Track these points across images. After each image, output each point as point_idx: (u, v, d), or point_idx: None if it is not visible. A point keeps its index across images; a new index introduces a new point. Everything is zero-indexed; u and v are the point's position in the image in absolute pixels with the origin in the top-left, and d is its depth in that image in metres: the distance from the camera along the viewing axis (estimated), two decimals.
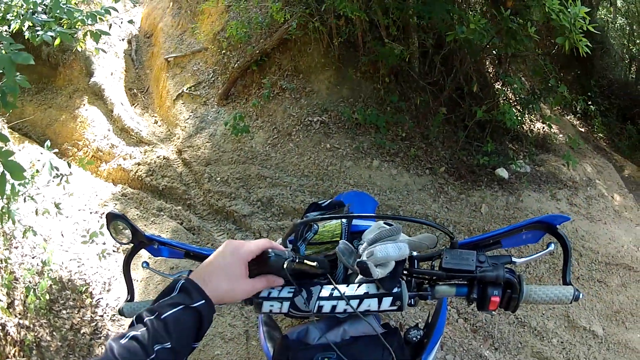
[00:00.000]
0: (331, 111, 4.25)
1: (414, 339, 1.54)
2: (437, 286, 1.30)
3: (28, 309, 3.27)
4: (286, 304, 1.23)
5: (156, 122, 4.65)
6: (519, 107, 4.73)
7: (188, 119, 4.46)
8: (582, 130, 6.28)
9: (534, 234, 1.29)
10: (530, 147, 4.86)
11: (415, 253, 1.34)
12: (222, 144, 4.22)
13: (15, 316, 3.18)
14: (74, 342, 3.22)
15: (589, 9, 3.23)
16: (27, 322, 3.20)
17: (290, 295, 1.23)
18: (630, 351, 3.29)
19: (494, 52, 5.11)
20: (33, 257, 3.57)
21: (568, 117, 6.33)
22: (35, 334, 3.18)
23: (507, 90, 5.00)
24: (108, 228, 1.32)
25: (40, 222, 3.84)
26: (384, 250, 1.20)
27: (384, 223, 1.38)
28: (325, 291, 1.22)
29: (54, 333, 3.21)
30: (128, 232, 1.33)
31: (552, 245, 1.25)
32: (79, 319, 3.31)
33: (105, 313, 3.39)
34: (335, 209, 1.75)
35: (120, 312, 1.41)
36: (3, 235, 3.45)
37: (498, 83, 5.24)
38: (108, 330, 3.34)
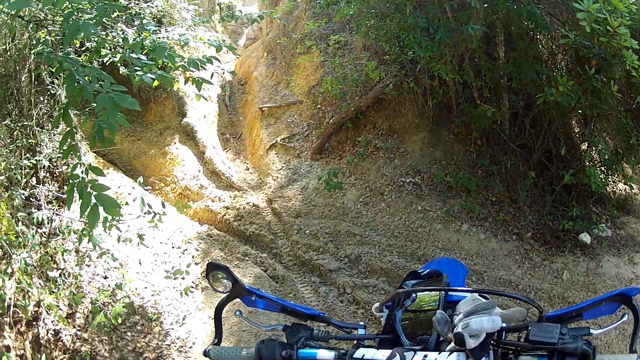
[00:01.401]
0: (424, 173, 4.32)
1: None
2: (521, 356, 1.32)
3: (90, 323, 3.31)
4: None
5: (247, 169, 4.82)
6: (602, 169, 4.67)
7: (280, 169, 4.61)
8: None
9: (611, 305, 1.34)
10: (612, 210, 4.79)
11: (504, 325, 1.38)
12: (314, 198, 4.34)
13: (74, 327, 3.24)
14: None
15: None
16: (85, 335, 3.25)
17: (384, 359, 1.27)
18: None
19: (579, 111, 5.07)
20: (105, 278, 3.66)
21: None
22: (93, 347, 3.24)
23: (593, 151, 4.95)
24: (207, 276, 1.39)
25: (119, 248, 3.80)
26: (479, 322, 1.25)
27: (479, 295, 1.44)
28: (418, 357, 1.26)
29: (113, 351, 3.27)
30: (227, 282, 1.40)
31: (627, 315, 1.29)
32: (144, 344, 3.37)
33: (173, 343, 3.44)
34: (434, 279, 1.80)
35: (206, 354, 1.45)
36: (77, 252, 3.53)
37: (584, 144, 5.19)
38: (173, 359, 3.38)
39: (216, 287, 1.43)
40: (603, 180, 4.57)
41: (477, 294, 1.43)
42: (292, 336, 1.41)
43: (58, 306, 3.19)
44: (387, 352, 1.28)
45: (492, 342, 1.32)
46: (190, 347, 3.49)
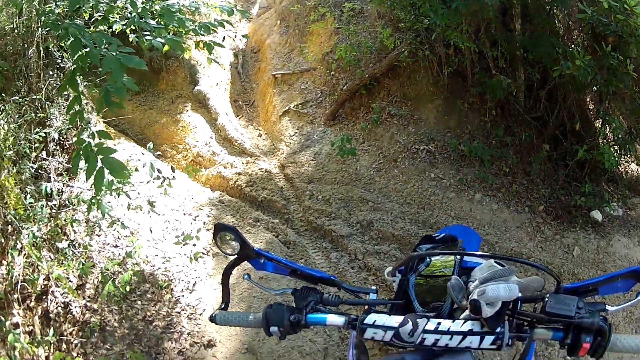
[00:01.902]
0: (437, 141, 4.30)
1: None
2: (536, 329, 1.31)
3: (100, 294, 3.26)
4: (390, 333, 1.25)
5: (260, 136, 4.81)
6: (616, 147, 4.65)
7: (293, 135, 4.60)
8: None
9: (626, 282, 1.32)
10: (624, 190, 4.76)
11: (520, 294, 1.33)
12: (327, 164, 4.32)
13: (84, 298, 3.20)
14: (143, 332, 3.22)
15: None
16: (95, 306, 3.21)
17: (396, 325, 1.25)
18: None
19: (595, 88, 5.04)
20: (115, 247, 3.62)
21: None
22: (102, 318, 3.20)
23: (607, 129, 4.92)
24: (214, 238, 1.36)
25: (129, 216, 3.86)
26: (495, 290, 1.21)
27: (495, 262, 1.41)
28: (431, 324, 1.23)
29: (123, 321, 3.22)
30: (235, 243, 1.36)
31: None
32: (154, 312, 3.33)
33: (183, 310, 3.41)
34: (448, 244, 1.77)
35: (212, 319, 1.44)
36: (87, 222, 3.50)
37: (598, 121, 5.15)
38: (183, 327, 3.34)
39: (224, 250, 1.39)
40: (616, 158, 4.55)
41: (493, 260, 1.39)
42: (301, 300, 1.37)
43: (68, 278, 3.16)
44: (399, 319, 1.26)
45: (507, 312, 1.29)
46: (200, 314, 3.46)
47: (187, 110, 5.26)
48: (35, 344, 2.76)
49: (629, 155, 5.27)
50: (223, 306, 1.47)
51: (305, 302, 1.38)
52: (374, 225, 3.94)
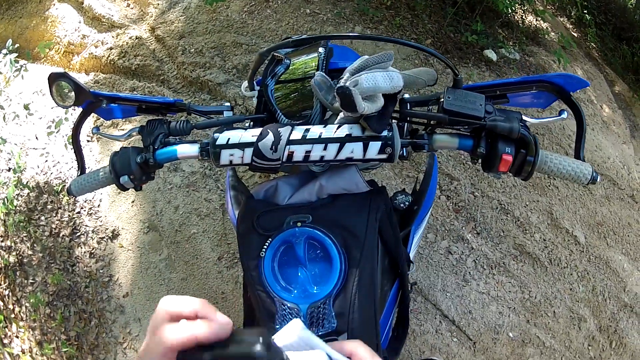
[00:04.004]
0: None
1: (402, 205, 1.36)
2: (436, 135, 1.06)
3: (7, 226, 3.14)
4: (248, 152, 1.01)
5: (128, 5, 4.44)
6: None
7: None
8: (575, 35, 6.03)
9: (545, 97, 1.06)
10: (521, 36, 4.65)
11: (407, 95, 1.09)
12: (197, 16, 4.00)
13: None
14: (54, 249, 3.09)
15: None
16: (8, 243, 3.10)
17: (254, 139, 1.01)
18: (611, 272, 3.12)
19: None
20: (9, 170, 3.45)
21: (561, 19, 6.08)
22: (17, 252, 3.07)
23: None
24: (51, 92, 1.10)
25: (11, 130, 3.70)
26: (372, 79, 0.94)
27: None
28: (297, 133, 1.00)
29: (35, 245, 3.09)
30: (72, 94, 1.10)
31: (565, 113, 1.02)
32: (58, 222, 3.18)
33: (82, 209, 3.23)
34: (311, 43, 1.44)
35: (69, 191, 1.20)
36: None
37: None
38: (86, 226, 3.18)
39: (63, 103, 1.12)
40: (511, 2, 4.42)
41: (367, 57, 1.04)
42: (148, 137, 1.15)
43: None
44: (257, 131, 1.03)
45: (394, 112, 1.04)
46: (99, 206, 3.27)
47: (54, 4, 4.82)
48: None
49: (526, 6, 5.17)
50: (79, 172, 1.23)
51: (153, 137, 1.14)
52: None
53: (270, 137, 1.00)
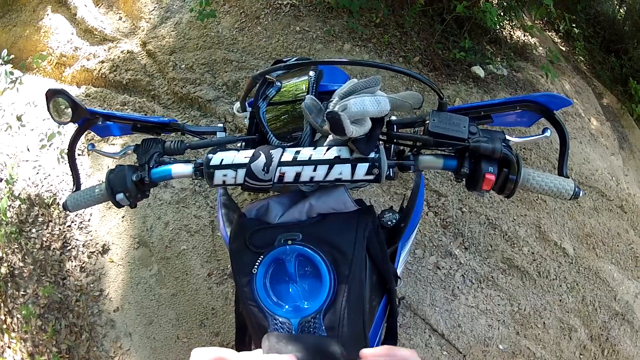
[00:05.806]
0: None
1: (389, 223, 1.40)
2: (422, 156, 1.11)
3: None
4: (241, 172, 1.05)
5: (121, 19, 4.47)
6: (500, 12, 4.57)
7: (153, 10, 4.27)
8: (563, 49, 6.15)
9: (529, 116, 1.12)
10: (509, 52, 4.72)
11: (394, 118, 1.15)
12: (188, 32, 4.04)
13: None
14: (45, 261, 3.10)
15: None
16: (0, 254, 3.09)
17: (247, 160, 1.05)
18: (601, 282, 3.18)
19: None
20: (1, 181, 3.45)
21: (550, 34, 6.20)
22: (9, 263, 3.07)
23: None
24: (48, 108, 1.12)
25: (3, 140, 3.70)
26: (360, 103, 0.98)
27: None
28: (288, 154, 1.04)
29: (26, 257, 3.09)
30: (69, 110, 1.13)
31: (549, 131, 1.07)
32: (49, 235, 3.18)
33: (73, 222, 3.25)
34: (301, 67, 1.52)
35: (64, 207, 1.24)
36: None
37: None
38: (76, 240, 3.21)
39: (61, 121, 1.14)
40: (500, 20, 4.48)
41: (356, 80, 1.10)
42: (143, 155, 1.18)
43: None
44: (249, 152, 1.05)
45: (381, 135, 1.09)
46: (89, 220, 3.29)
47: (48, 14, 4.84)
48: None
49: (514, 21, 5.25)
50: (74, 188, 1.26)
51: (148, 156, 1.18)
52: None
53: (262, 158, 1.04)
